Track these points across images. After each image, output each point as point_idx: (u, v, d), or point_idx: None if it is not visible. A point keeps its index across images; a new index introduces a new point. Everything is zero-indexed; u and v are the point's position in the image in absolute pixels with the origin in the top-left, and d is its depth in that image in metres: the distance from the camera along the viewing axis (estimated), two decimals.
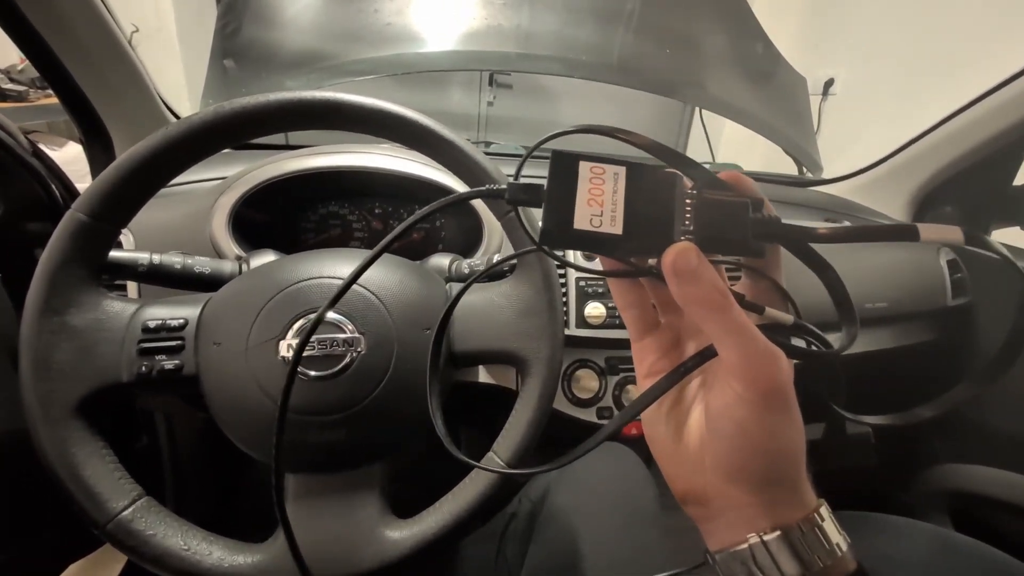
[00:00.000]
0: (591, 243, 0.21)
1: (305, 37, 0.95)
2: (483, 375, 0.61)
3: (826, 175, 1.14)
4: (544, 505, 0.52)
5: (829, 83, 2.22)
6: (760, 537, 0.22)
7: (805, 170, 1.18)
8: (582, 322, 0.58)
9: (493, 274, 0.51)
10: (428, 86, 2.41)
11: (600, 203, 0.21)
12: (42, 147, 0.80)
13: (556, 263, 0.58)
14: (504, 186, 0.30)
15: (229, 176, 0.58)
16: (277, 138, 1.21)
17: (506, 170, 0.84)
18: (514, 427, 0.39)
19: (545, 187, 0.22)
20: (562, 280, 0.59)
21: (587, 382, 0.61)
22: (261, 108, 0.37)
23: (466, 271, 0.52)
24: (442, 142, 0.40)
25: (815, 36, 2.32)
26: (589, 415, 0.61)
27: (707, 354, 0.23)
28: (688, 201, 0.21)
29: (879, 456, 0.82)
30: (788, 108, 1.20)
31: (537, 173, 0.93)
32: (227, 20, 0.90)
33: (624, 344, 0.61)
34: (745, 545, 0.23)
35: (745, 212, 0.21)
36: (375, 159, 0.59)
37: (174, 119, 0.72)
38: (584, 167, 0.21)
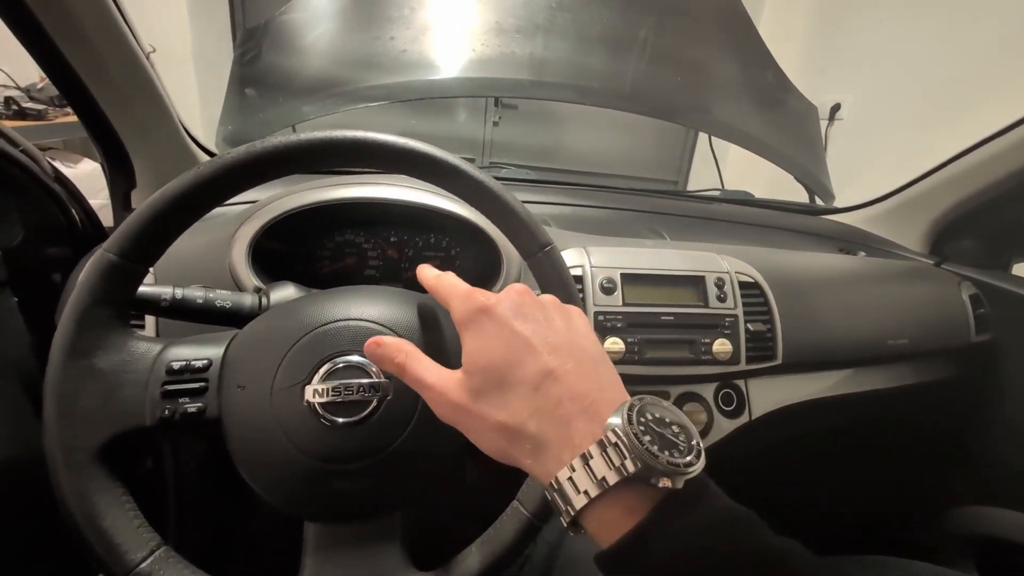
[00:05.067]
0: None
1: (322, 64, 0.96)
2: None
3: (835, 203, 1.13)
4: (561, 548, 0.51)
5: (836, 108, 2.24)
6: (555, 480, 0.25)
7: (816, 198, 1.18)
8: None
9: None
10: (434, 106, 2.44)
11: None
12: (58, 164, 0.80)
13: None
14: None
15: (248, 203, 0.58)
16: None
17: (518, 197, 0.84)
18: None
19: None
20: None
21: None
22: (294, 148, 0.37)
23: None
24: (480, 187, 0.40)
25: (821, 61, 2.35)
26: None
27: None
28: None
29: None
30: (799, 136, 1.21)
31: (542, 199, 0.91)
32: (247, 48, 0.91)
33: (644, 380, 0.60)
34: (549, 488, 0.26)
35: None
36: (396, 191, 0.59)
37: (194, 146, 0.73)
38: None
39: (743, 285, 0.64)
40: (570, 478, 0.25)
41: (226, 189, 0.36)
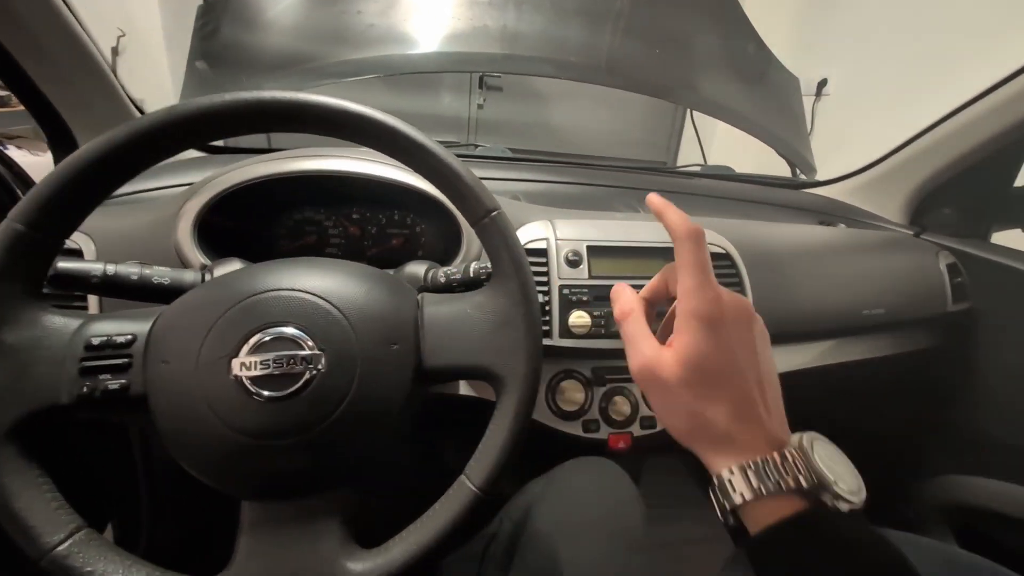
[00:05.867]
0: None
1: (285, 39, 0.92)
2: (463, 388, 0.58)
3: (820, 176, 1.12)
4: (526, 526, 0.50)
5: (822, 83, 2.21)
6: (728, 470, 0.30)
7: (799, 172, 1.16)
8: (566, 332, 0.55)
9: (471, 283, 0.48)
10: (417, 89, 2.40)
11: None
12: (24, 152, 0.76)
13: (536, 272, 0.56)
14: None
15: (197, 182, 0.56)
16: (257, 141, 1.19)
17: (492, 173, 0.81)
18: (487, 450, 0.36)
19: None
20: (545, 288, 0.56)
21: (572, 394, 0.58)
22: (217, 109, 0.34)
23: (442, 280, 0.50)
24: (422, 150, 0.37)
25: (808, 36, 2.31)
26: (575, 428, 0.59)
27: None
28: None
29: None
30: (781, 109, 1.19)
31: (516, 176, 0.89)
32: (205, 21, 0.88)
33: (611, 354, 0.59)
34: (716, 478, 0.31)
35: None
36: (351, 164, 0.56)
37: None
38: None
39: (714, 256, 0.62)
40: (745, 471, 0.29)
41: (145, 154, 0.34)
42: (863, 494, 0.29)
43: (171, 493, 0.80)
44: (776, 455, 0.29)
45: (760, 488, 0.28)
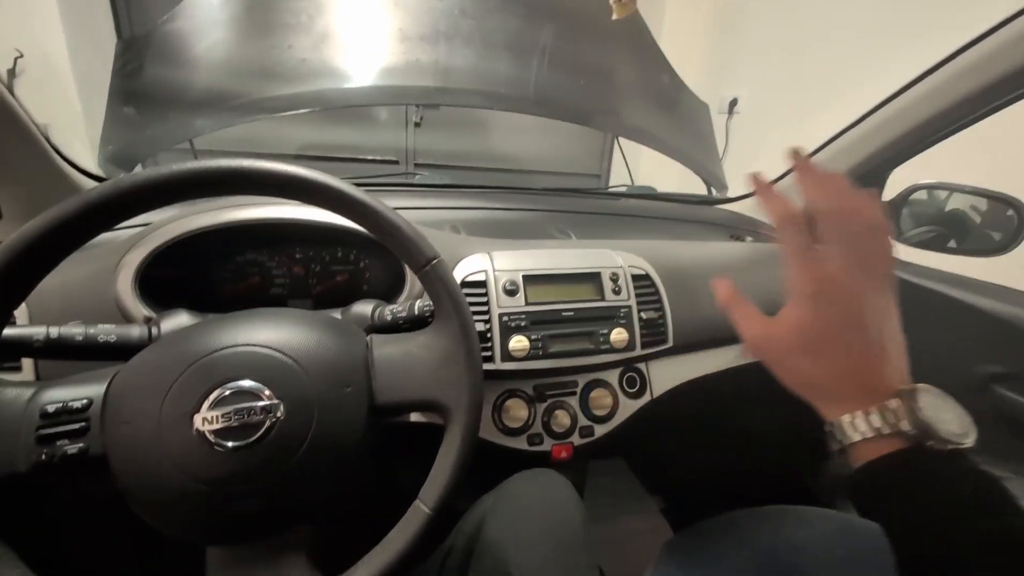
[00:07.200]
0: None
1: (214, 76, 0.92)
2: (414, 415, 0.62)
3: (733, 191, 1.24)
4: (479, 538, 0.54)
5: (733, 103, 2.42)
6: (840, 419, 0.33)
7: (713, 189, 1.28)
8: (507, 356, 0.60)
9: (416, 320, 0.52)
10: (352, 114, 2.39)
11: None
12: None
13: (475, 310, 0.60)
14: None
15: (136, 227, 0.56)
16: None
17: (431, 202, 0.85)
18: (438, 474, 0.40)
19: None
20: (485, 317, 0.61)
21: (516, 411, 0.63)
22: (164, 180, 0.36)
23: (388, 318, 0.53)
24: (365, 209, 0.41)
25: (719, 59, 2.52)
26: (520, 443, 0.64)
27: None
28: None
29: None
30: (693, 132, 1.31)
31: (455, 204, 0.92)
32: (127, 59, 0.86)
33: (549, 372, 0.64)
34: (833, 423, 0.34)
35: None
36: (290, 211, 0.59)
37: (68, 167, 0.68)
38: None
39: (636, 278, 0.69)
40: (852, 422, 0.33)
41: (92, 226, 0.36)
42: (971, 436, 0.31)
43: (110, 541, 0.77)
44: (878, 409, 0.32)
45: (863, 434, 0.32)
